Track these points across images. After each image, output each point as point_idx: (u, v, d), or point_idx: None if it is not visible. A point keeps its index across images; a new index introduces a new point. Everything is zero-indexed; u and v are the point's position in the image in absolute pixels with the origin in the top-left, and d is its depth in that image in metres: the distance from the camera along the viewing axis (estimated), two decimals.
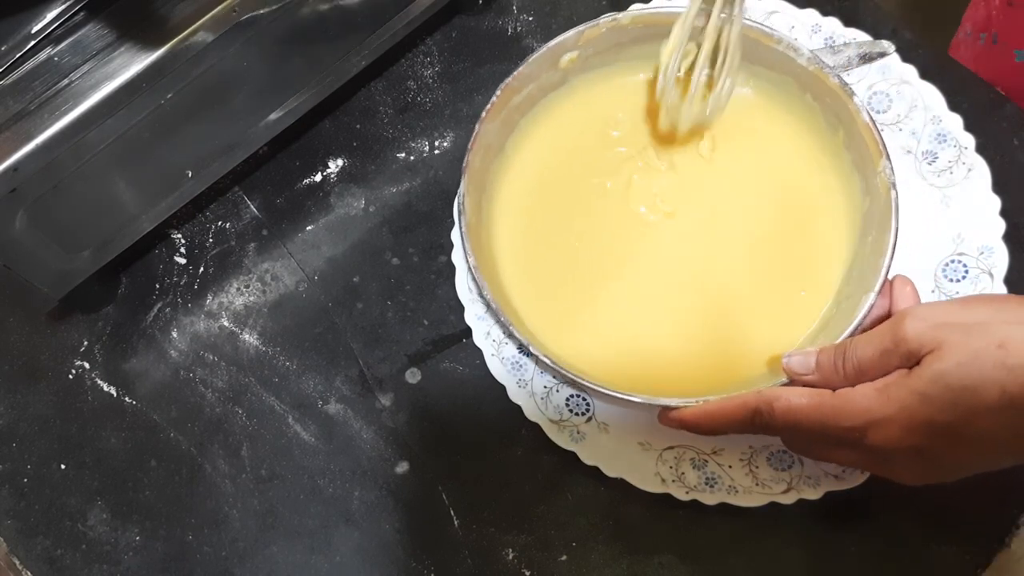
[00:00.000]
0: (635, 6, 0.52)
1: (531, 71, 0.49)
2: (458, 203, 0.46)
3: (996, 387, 0.34)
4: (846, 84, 0.47)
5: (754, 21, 0.49)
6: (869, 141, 0.46)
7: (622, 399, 0.43)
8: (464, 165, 0.47)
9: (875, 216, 0.47)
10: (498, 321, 0.47)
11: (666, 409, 0.44)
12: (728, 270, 0.50)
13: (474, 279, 0.46)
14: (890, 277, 0.44)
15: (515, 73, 0.48)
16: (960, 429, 0.36)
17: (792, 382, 0.42)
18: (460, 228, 0.46)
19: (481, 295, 0.46)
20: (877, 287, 0.43)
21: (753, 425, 0.41)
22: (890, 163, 0.45)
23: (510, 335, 0.46)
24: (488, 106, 0.47)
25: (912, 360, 0.37)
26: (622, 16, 0.49)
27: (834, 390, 0.39)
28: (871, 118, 0.46)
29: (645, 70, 0.53)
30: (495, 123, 0.49)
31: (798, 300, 0.48)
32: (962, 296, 0.42)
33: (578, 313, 0.49)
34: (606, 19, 0.49)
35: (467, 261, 0.46)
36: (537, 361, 0.48)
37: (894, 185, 0.45)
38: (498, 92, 0.48)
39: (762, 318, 0.48)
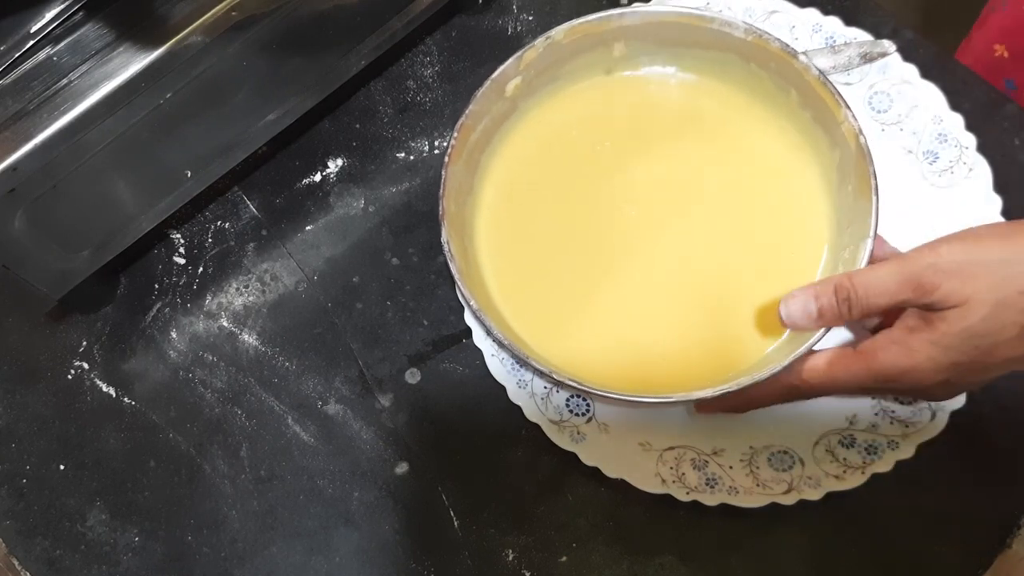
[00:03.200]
0: (636, 5, 0.52)
1: (481, 107, 0.49)
2: (445, 250, 0.46)
3: (1016, 327, 0.38)
4: (787, 46, 0.47)
5: (682, 6, 0.49)
6: (824, 95, 0.46)
7: (633, 401, 0.43)
8: (440, 213, 0.47)
9: (849, 165, 0.46)
10: (512, 355, 0.48)
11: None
12: (715, 253, 0.49)
13: (478, 319, 0.46)
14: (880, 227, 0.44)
15: (467, 112, 0.48)
16: (982, 361, 0.39)
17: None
18: (453, 273, 0.46)
19: (490, 334, 0.47)
20: (871, 232, 0.43)
21: (791, 398, 0.45)
22: (851, 111, 0.45)
23: (525, 364, 0.47)
24: (448, 150, 0.48)
25: (931, 307, 0.40)
26: (555, 32, 0.49)
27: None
28: (820, 72, 0.46)
29: (587, 78, 0.53)
30: (459, 165, 0.49)
31: (790, 267, 0.48)
32: (967, 230, 0.42)
33: (575, 325, 0.49)
34: (541, 40, 0.49)
35: (468, 305, 0.46)
36: (545, 378, 0.48)
37: (861, 132, 0.45)
38: (455, 134, 0.48)
39: (758, 293, 0.48)
